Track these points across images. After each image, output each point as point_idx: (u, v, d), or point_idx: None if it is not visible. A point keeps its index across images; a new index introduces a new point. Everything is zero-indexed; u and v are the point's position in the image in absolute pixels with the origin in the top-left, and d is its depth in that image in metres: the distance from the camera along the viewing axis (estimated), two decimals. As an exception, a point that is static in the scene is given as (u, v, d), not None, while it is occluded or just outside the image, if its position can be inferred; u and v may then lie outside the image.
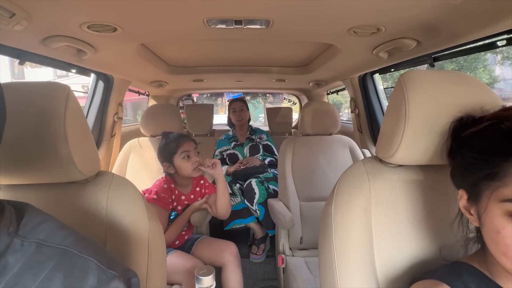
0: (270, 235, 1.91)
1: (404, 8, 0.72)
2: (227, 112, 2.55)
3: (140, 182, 1.51)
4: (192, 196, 1.35)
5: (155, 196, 1.20)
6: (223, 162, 2.15)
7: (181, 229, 1.27)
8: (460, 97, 0.52)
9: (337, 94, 2.33)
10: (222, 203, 1.30)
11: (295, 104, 3.23)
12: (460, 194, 0.44)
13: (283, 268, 1.34)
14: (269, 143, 2.28)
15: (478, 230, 0.43)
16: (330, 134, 1.60)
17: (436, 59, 1.02)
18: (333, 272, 0.57)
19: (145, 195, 1.21)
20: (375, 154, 0.66)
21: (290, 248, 1.42)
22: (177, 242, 1.28)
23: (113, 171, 1.58)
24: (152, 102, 2.50)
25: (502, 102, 0.51)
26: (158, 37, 0.99)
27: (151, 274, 0.62)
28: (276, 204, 1.45)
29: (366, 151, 1.62)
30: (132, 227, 0.60)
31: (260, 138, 2.29)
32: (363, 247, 0.57)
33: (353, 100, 1.83)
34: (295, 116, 3.20)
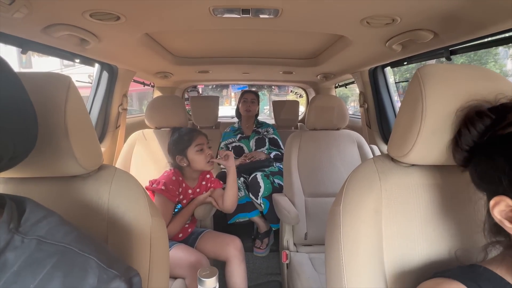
0: (274, 229, 1.90)
1: None
2: (232, 104, 2.52)
3: (145, 173, 1.50)
4: (198, 190, 1.35)
5: (163, 187, 1.20)
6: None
7: (185, 222, 1.27)
8: (480, 92, 0.48)
9: (346, 87, 2.27)
10: (230, 195, 1.31)
11: (302, 97, 3.17)
12: (496, 201, 0.39)
13: (287, 264, 1.33)
14: (275, 137, 2.25)
15: (505, 235, 0.40)
16: (338, 129, 1.56)
17: (453, 52, 0.97)
18: (341, 272, 0.56)
19: (153, 185, 1.22)
20: (385, 151, 0.63)
21: (294, 244, 1.41)
22: (180, 235, 1.28)
23: (118, 162, 1.57)
24: (157, 93, 2.48)
25: None
26: (162, 26, 0.96)
27: (153, 271, 0.61)
28: (281, 199, 1.43)
29: (374, 147, 1.58)
30: (135, 223, 0.59)
31: (267, 132, 2.27)
32: (372, 248, 0.55)
33: (362, 94, 1.78)
34: (301, 109, 3.15)
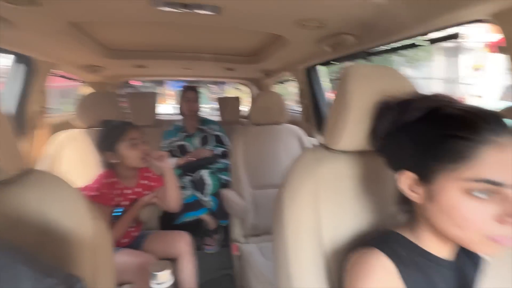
0: (223, 225, 1.92)
1: (344, 5, 0.77)
2: (169, 102, 2.43)
3: (77, 178, 1.35)
4: (138, 189, 1.27)
5: (95, 193, 1.09)
6: (172, 154, 2.06)
7: (128, 225, 1.19)
8: (390, 88, 0.58)
9: (284, 84, 2.41)
10: (173, 196, 1.25)
11: (244, 93, 3.24)
12: (403, 175, 0.48)
13: (238, 256, 1.37)
14: (220, 134, 2.26)
15: (411, 205, 0.50)
16: (280, 124, 1.66)
17: (370, 54, 1.14)
18: (286, 252, 0.60)
19: (84, 193, 1.10)
20: (321, 142, 0.71)
21: (244, 236, 1.46)
22: (125, 240, 1.20)
23: (43, 167, 1.38)
24: (86, 90, 2.23)
25: (419, 90, 0.59)
26: (90, 15, 0.88)
27: (98, 277, 0.57)
28: (229, 194, 1.46)
29: (312, 139, 1.73)
30: (73, 228, 0.54)
31: (211, 129, 2.25)
32: (312, 228, 0.61)
33: (301, 91, 1.92)
34: (244, 105, 3.21)
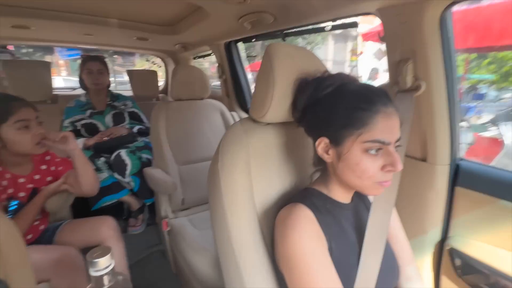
0: (147, 204, 1.85)
1: None
2: (61, 74, 2.06)
3: None
4: (37, 177, 1.09)
5: None
6: (77, 134, 1.80)
7: (32, 220, 1.03)
8: (307, 67, 0.69)
9: (204, 59, 2.36)
10: (87, 180, 1.11)
11: (160, 67, 3.00)
12: (319, 141, 0.58)
13: (168, 231, 1.38)
14: (136, 110, 2.08)
15: (324, 165, 0.63)
16: (202, 99, 1.66)
17: (287, 35, 1.25)
18: (226, 220, 0.65)
19: None
20: (243, 117, 0.77)
21: (172, 211, 1.46)
22: (29, 237, 1.04)
23: None
24: None
25: (328, 69, 0.72)
26: None
27: (12, 278, 0.51)
28: (154, 172, 1.41)
29: (234, 113, 1.79)
30: None
31: (125, 105, 2.05)
32: (246, 194, 0.67)
33: (220, 66, 1.93)
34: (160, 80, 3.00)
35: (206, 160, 1.57)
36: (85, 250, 1.12)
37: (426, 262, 0.93)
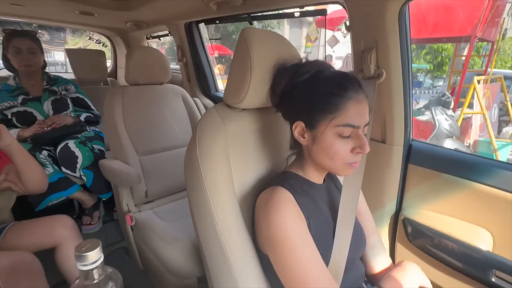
0: (103, 199, 1.71)
1: None
2: None
3: None
4: None
5: None
6: (8, 124, 1.54)
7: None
8: (284, 53, 0.69)
9: (159, 39, 2.18)
10: (32, 176, 0.98)
11: (106, 46, 2.69)
12: (295, 125, 0.61)
13: (132, 226, 1.30)
14: (81, 96, 1.85)
15: (300, 148, 0.65)
16: (162, 83, 1.55)
17: (254, 18, 1.22)
18: (208, 207, 0.65)
19: None
20: (206, 103, 0.75)
21: (135, 205, 1.37)
22: (-37, 246, 0.88)
23: None
24: None
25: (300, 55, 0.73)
26: None
27: None
28: (114, 164, 1.29)
29: (197, 99, 1.72)
30: None
31: (66, 90, 1.80)
32: (227, 178, 0.67)
33: (180, 48, 1.81)
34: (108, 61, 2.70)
35: (170, 149, 1.49)
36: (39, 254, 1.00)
37: (384, 231, 1.06)
